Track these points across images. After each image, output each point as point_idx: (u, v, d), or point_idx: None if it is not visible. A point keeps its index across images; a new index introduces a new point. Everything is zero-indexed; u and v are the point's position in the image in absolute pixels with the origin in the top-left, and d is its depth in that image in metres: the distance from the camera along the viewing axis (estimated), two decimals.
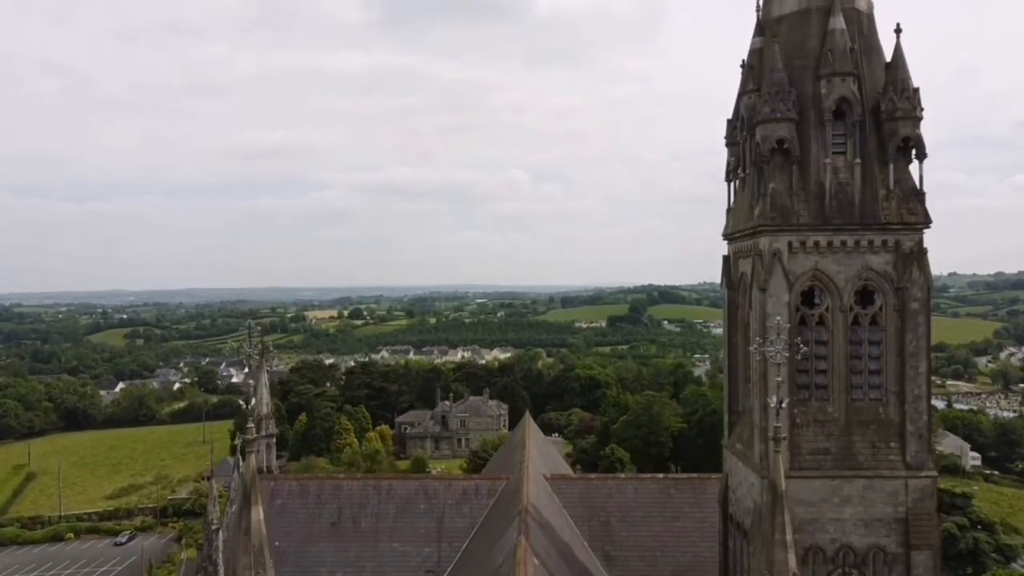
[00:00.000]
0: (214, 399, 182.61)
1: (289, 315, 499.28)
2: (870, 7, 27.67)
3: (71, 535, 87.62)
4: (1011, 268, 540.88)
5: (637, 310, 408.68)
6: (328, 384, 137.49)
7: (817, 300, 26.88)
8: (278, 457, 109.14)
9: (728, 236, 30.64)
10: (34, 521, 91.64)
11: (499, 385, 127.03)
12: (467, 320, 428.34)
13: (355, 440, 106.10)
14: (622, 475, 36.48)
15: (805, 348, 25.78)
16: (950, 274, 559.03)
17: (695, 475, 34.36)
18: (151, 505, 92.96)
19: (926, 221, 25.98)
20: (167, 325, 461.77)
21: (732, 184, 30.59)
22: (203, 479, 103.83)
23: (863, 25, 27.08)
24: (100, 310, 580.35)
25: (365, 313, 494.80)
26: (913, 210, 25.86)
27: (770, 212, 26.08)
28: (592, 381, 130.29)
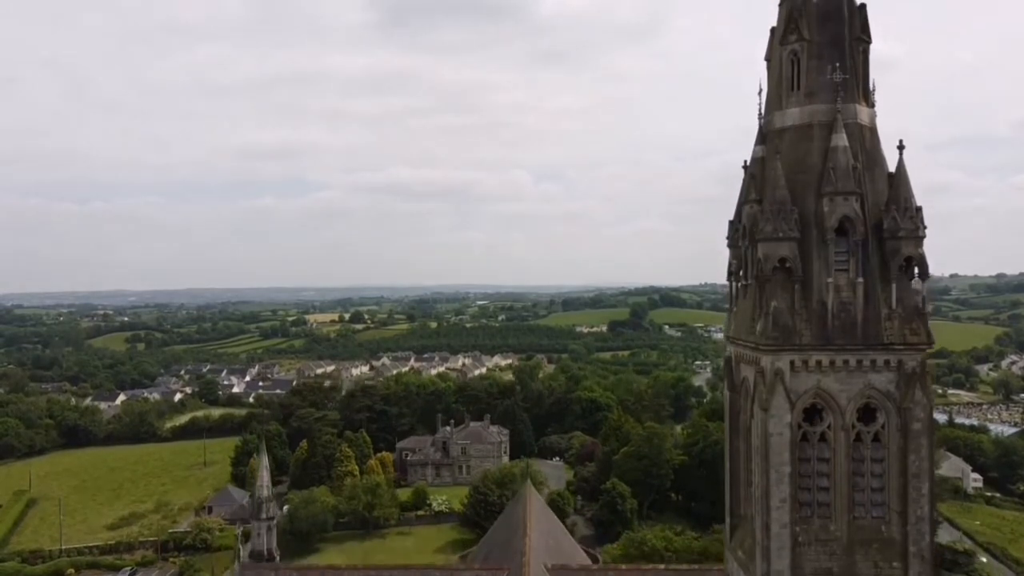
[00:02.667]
0: (215, 413, 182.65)
1: (290, 318, 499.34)
2: (872, 119, 27.35)
3: (71, 570, 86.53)
4: (1013, 269, 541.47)
5: (638, 314, 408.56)
6: (331, 404, 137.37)
7: (819, 407, 26.72)
8: (277, 483, 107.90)
9: (731, 338, 30.43)
10: (35, 555, 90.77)
11: (500, 408, 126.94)
12: (468, 325, 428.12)
13: (356, 467, 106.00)
14: (623, 566, 36.86)
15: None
16: (951, 276, 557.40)
17: (696, 566, 34.24)
18: (152, 538, 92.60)
19: (928, 341, 25.77)
20: (168, 328, 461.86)
21: (734, 283, 30.39)
22: (204, 509, 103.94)
23: (865, 139, 26.75)
24: (101, 311, 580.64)
25: (366, 317, 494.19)
26: (916, 330, 25.63)
27: (772, 331, 25.83)
28: (593, 404, 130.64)
